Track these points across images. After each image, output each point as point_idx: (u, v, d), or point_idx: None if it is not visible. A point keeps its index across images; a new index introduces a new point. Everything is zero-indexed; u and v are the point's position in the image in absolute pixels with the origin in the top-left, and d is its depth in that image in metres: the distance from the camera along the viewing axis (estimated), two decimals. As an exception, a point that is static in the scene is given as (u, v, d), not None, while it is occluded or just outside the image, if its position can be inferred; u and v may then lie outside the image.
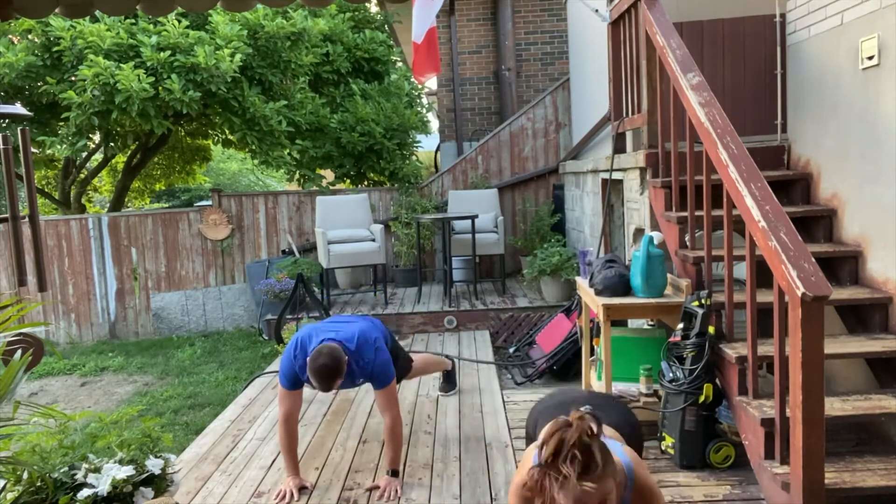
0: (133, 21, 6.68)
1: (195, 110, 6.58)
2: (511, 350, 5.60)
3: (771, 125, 4.30)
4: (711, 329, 3.08)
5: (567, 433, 1.59)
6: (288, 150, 7.33)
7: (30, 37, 6.73)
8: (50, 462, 2.24)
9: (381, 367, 3.15)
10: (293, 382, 3.14)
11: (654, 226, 4.02)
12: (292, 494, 3.05)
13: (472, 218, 6.46)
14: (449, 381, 4.38)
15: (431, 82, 9.62)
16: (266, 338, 6.81)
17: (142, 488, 2.26)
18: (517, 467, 3.19)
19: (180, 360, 6.44)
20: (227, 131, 7.77)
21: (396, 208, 7.79)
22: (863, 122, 3.23)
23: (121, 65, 6.14)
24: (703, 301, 3.13)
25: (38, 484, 2.19)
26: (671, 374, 3.18)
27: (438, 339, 5.94)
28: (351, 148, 7.63)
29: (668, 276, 3.64)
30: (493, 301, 6.51)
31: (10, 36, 6.84)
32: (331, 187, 8.02)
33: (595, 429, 1.62)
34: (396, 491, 3.05)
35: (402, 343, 5.83)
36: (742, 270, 2.99)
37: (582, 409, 1.67)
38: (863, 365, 3.19)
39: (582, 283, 4.04)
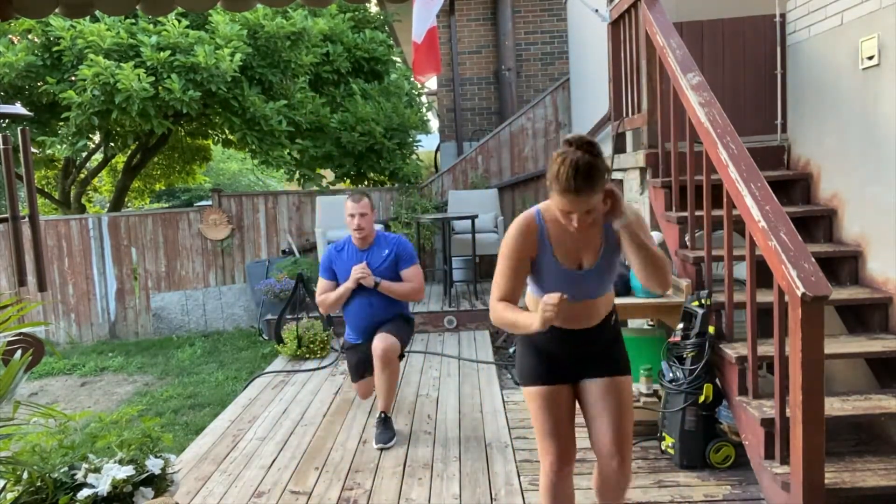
0: (133, 21, 6.68)
1: (195, 110, 6.57)
2: (511, 350, 5.59)
3: (771, 125, 4.30)
4: (711, 329, 3.08)
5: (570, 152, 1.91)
6: (288, 150, 7.33)
7: (30, 37, 6.73)
8: (50, 462, 2.24)
9: (408, 245, 3.79)
10: (328, 270, 3.77)
11: (654, 226, 4.02)
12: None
13: (472, 218, 6.46)
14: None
15: (431, 82, 9.61)
16: (266, 338, 6.81)
17: (142, 488, 2.25)
18: (517, 467, 3.20)
19: (180, 360, 6.44)
20: (227, 131, 7.77)
21: (396, 208, 7.79)
22: (863, 122, 3.23)
23: (121, 64, 6.14)
24: (703, 301, 3.13)
25: (38, 484, 2.18)
26: (671, 374, 3.18)
27: (438, 339, 5.94)
28: (351, 147, 7.63)
29: (668, 276, 3.64)
30: (493, 301, 6.50)
31: (10, 36, 6.83)
32: (331, 187, 8.01)
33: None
34: (367, 276, 3.62)
35: (402, 343, 5.84)
36: (742, 270, 2.99)
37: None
38: (863, 365, 3.19)
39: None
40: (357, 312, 3.76)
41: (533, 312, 2.02)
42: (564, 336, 2.21)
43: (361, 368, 3.84)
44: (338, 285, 3.75)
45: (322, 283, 3.80)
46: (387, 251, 3.73)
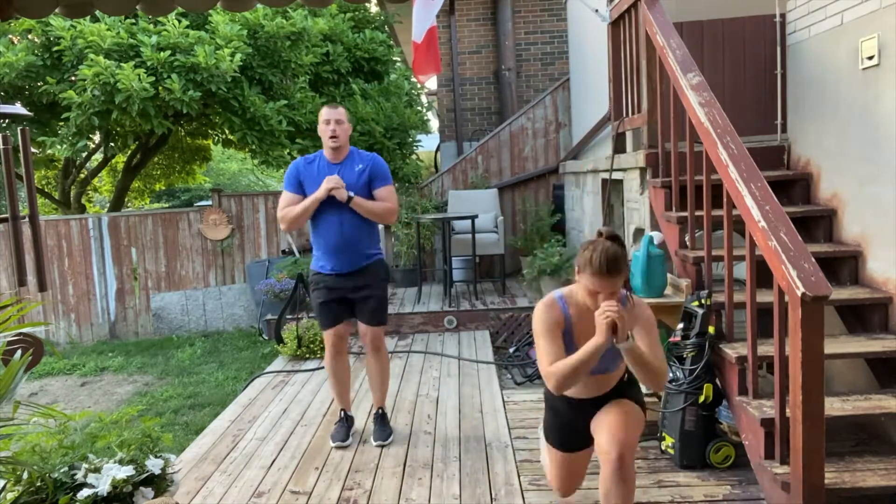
0: (133, 21, 6.68)
1: (195, 110, 6.57)
2: (511, 350, 5.59)
3: (771, 125, 4.30)
4: (711, 329, 3.08)
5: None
6: (288, 150, 7.33)
7: (30, 37, 6.73)
8: (50, 462, 2.24)
9: (383, 164, 3.50)
10: (294, 183, 3.45)
11: (654, 226, 4.02)
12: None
13: (472, 218, 6.46)
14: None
15: (431, 82, 9.61)
16: (266, 338, 6.81)
17: (142, 488, 2.25)
18: (517, 467, 3.20)
19: (180, 360, 6.44)
20: (227, 131, 7.76)
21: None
22: (863, 122, 3.23)
23: (121, 64, 6.14)
24: (703, 301, 3.13)
25: (38, 484, 2.19)
26: (671, 374, 3.18)
27: (438, 339, 5.94)
28: (351, 147, 7.61)
29: (668, 276, 3.64)
30: (493, 301, 6.51)
31: (10, 36, 6.83)
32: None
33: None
34: (340, 188, 3.32)
35: (401, 343, 5.84)
36: (742, 270, 2.99)
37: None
38: (863, 365, 3.19)
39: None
40: (325, 235, 3.45)
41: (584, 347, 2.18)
42: (580, 404, 2.43)
43: (335, 313, 3.52)
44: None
45: (286, 196, 3.46)
46: (360, 166, 3.44)
